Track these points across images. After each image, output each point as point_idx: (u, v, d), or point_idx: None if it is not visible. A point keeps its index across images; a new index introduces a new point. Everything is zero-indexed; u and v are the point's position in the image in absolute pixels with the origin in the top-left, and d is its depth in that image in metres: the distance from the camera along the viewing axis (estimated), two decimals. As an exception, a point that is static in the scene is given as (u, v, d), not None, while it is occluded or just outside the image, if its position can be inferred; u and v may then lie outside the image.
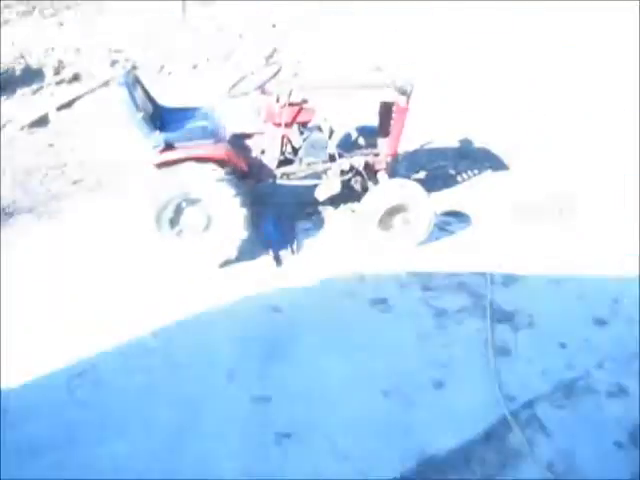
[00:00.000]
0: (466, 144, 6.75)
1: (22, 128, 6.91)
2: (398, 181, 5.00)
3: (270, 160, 5.02)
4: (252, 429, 3.57)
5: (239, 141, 5.09)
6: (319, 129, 5.20)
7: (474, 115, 7.32)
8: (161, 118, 4.75)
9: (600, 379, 3.90)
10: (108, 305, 4.42)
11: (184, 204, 4.59)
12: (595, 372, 3.95)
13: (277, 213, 5.30)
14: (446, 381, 3.87)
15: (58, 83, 8.06)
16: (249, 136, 5.25)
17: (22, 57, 8.46)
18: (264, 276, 4.73)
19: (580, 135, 6.97)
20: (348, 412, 3.66)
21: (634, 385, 3.85)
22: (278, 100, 4.78)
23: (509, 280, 4.75)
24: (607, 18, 10.28)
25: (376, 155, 5.27)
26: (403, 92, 4.90)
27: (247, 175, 4.91)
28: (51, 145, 6.64)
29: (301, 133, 5.06)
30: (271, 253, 4.91)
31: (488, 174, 6.18)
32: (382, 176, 5.23)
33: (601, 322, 4.37)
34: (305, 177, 5.14)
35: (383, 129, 5.27)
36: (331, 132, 5.28)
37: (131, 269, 4.77)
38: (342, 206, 5.50)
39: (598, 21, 10.23)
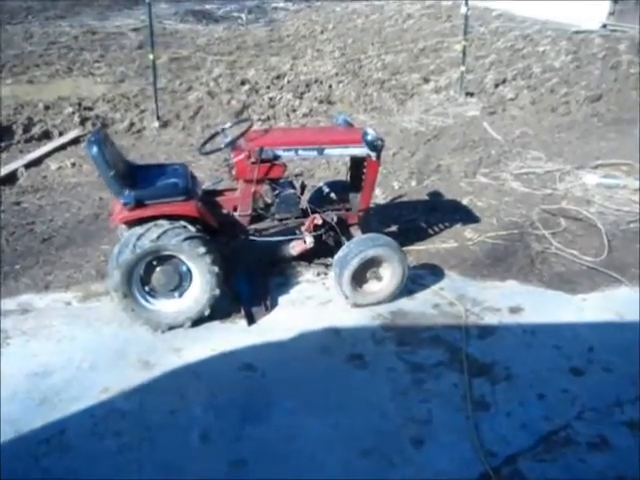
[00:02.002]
0: (436, 197, 6.82)
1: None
2: (371, 235, 5.01)
3: (242, 217, 5.00)
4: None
5: (211, 198, 5.07)
6: (291, 185, 5.21)
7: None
8: (132, 176, 4.72)
9: (581, 431, 3.85)
10: (75, 366, 4.28)
11: (155, 262, 4.53)
12: (575, 423, 3.91)
13: (250, 270, 5.24)
14: (425, 438, 3.78)
15: (27, 140, 8.01)
16: (221, 193, 5.23)
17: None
18: (237, 334, 4.64)
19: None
20: (327, 474, 3.54)
21: (615, 436, 3.81)
22: (250, 157, 4.78)
23: (485, 332, 4.73)
24: None
25: (348, 210, 5.28)
26: (374, 147, 4.95)
27: (219, 232, 4.88)
28: (18, 203, 6.55)
29: (273, 189, 5.06)
30: (243, 311, 4.83)
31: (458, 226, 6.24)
32: (355, 230, 5.24)
33: (578, 372, 4.35)
34: (278, 233, 5.12)
35: (355, 184, 5.30)
36: (303, 187, 5.31)
37: (101, 328, 4.65)
38: (316, 261, 5.47)
39: None
